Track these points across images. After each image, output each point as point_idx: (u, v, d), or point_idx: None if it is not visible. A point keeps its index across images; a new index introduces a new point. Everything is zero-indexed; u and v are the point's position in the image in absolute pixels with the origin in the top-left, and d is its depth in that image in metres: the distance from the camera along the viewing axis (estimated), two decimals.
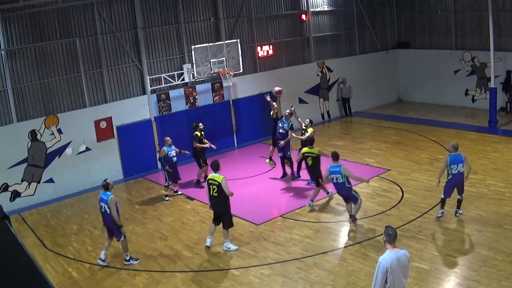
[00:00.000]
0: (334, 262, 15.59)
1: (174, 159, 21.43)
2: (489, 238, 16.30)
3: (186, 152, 22.61)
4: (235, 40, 26.80)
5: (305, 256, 15.96)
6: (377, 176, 22.63)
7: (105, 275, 15.85)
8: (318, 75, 32.90)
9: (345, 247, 16.66)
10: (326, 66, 33.26)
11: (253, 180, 23.52)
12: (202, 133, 22.54)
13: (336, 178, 17.64)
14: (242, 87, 28.70)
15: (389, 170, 23.15)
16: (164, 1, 25.97)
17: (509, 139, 26.73)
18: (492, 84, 29.21)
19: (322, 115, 33.55)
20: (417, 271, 14.54)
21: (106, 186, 16.00)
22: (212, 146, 22.92)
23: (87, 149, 24.09)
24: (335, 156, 17.92)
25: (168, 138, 21.58)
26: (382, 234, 16.40)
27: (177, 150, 21.81)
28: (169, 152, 21.26)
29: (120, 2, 24.61)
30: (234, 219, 18.36)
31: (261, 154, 26.93)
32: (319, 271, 15.04)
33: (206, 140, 22.75)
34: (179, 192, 22.29)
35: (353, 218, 17.97)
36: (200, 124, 22.68)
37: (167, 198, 21.76)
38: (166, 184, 21.86)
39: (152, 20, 25.70)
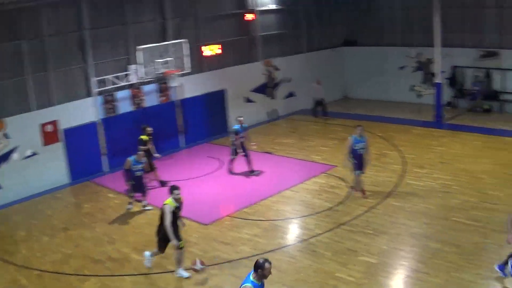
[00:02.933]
0: (283, 259, 15.75)
1: (138, 173, 20.25)
2: (437, 230, 16.78)
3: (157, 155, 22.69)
4: (181, 40, 26.61)
5: (254, 254, 16.04)
6: (324, 172, 22.92)
7: (55, 281, 15.70)
8: (264, 74, 33.00)
9: (293, 244, 16.90)
10: (273, 65, 33.38)
11: (201, 180, 23.46)
12: (151, 137, 22.44)
13: None
14: (188, 87, 28.52)
15: (336, 166, 23.41)
16: (111, 1, 25.72)
17: (455, 133, 27.36)
18: (437, 79, 29.75)
19: (269, 114, 33.67)
20: (366, 266, 14.88)
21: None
22: (156, 154, 22.90)
23: (34, 153, 23.70)
24: None
25: (141, 153, 20.54)
26: (330, 231, 16.80)
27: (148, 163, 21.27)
28: (134, 166, 20.15)
29: (66, 3, 24.20)
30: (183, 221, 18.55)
31: (208, 154, 27.09)
32: None
33: (152, 145, 22.74)
34: (148, 207, 20.68)
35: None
36: (149, 128, 22.58)
37: (129, 207, 20.67)
38: (130, 195, 20.69)
39: (99, 21, 25.31)
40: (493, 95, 31.56)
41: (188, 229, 18.09)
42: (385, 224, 17.59)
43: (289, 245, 16.90)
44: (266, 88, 33.22)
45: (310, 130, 30.76)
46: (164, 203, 14.68)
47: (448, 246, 15.61)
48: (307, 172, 23.27)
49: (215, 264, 15.63)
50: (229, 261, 15.89)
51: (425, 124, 29.64)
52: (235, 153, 23.37)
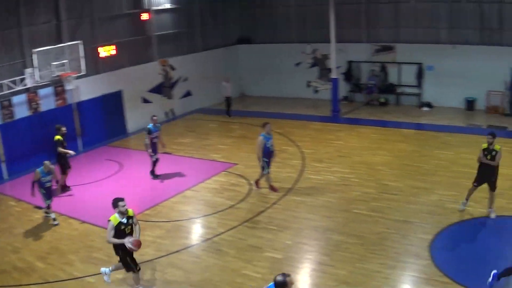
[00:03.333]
0: (188, 259, 15.95)
1: (48, 184, 19.47)
2: (339, 223, 17.41)
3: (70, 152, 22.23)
4: (77, 42, 26.30)
5: (158, 256, 16.19)
6: (224, 171, 23.23)
7: None
8: (161, 73, 33.00)
9: (197, 244, 17.10)
10: (169, 64, 33.43)
11: (100, 184, 23.15)
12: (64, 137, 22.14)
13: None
14: (85, 89, 28.10)
15: (236, 164, 23.76)
16: (5, 3, 24.93)
17: (352, 127, 28.26)
18: (333, 74, 30.56)
19: (166, 114, 33.71)
20: (271, 261, 15.28)
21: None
22: (71, 152, 22.40)
23: None
24: None
25: (47, 162, 19.48)
26: (233, 229, 17.04)
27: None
28: (43, 178, 19.33)
29: None
30: (85, 226, 18.34)
31: (107, 157, 26.84)
32: (174, 270, 15.35)
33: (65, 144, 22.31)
34: (50, 215, 19.82)
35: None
36: (63, 128, 22.19)
37: (56, 222, 19.50)
38: (47, 205, 19.72)
39: None
40: (389, 89, 32.81)
41: (91, 234, 18.08)
42: (287, 219, 18.07)
43: (193, 245, 17.07)
44: (163, 88, 33.22)
45: (208, 129, 31.10)
46: (108, 219, 13.60)
47: (351, 238, 16.27)
48: (207, 171, 23.48)
49: (120, 269, 15.60)
50: None
51: (322, 119, 30.46)
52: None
